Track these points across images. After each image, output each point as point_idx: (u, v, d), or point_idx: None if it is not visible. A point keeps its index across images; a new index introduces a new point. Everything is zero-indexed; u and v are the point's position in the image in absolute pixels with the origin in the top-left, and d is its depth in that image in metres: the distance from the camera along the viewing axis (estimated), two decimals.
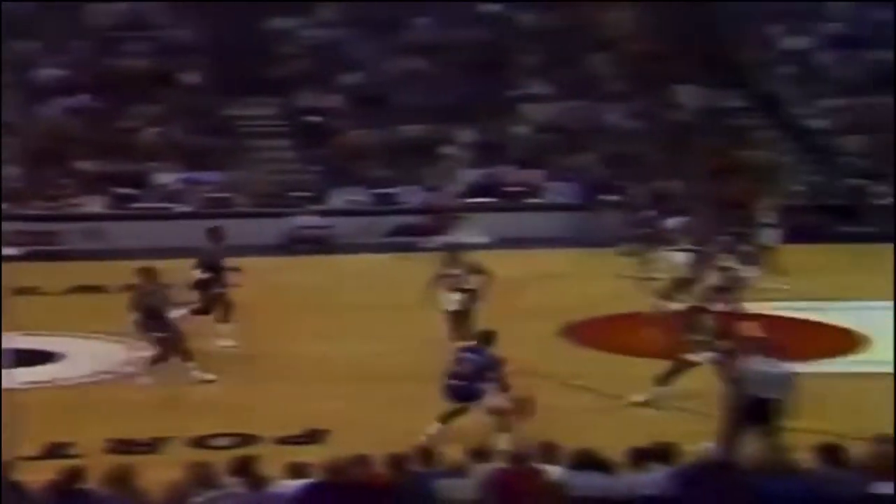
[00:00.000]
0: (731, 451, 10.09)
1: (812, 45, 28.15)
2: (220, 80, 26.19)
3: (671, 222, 18.65)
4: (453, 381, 12.33)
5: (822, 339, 15.76)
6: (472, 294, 14.81)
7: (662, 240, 19.29)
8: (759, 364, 11.52)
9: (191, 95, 26.01)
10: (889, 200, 23.33)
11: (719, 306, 14.73)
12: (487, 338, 12.66)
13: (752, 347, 11.96)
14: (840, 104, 26.54)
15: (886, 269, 17.95)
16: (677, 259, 17.32)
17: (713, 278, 15.66)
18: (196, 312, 15.00)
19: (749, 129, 26.14)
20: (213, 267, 15.11)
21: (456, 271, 14.95)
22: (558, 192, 23.82)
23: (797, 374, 11.53)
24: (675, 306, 15.37)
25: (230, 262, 15.64)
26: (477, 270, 15.00)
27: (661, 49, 27.76)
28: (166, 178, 23.98)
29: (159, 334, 13.95)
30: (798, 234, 22.35)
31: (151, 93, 25.51)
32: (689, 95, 26.62)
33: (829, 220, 23.74)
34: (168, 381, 14.05)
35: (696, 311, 13.89)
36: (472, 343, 12.76)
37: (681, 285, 16.44)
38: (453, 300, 14.87)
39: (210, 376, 14.14)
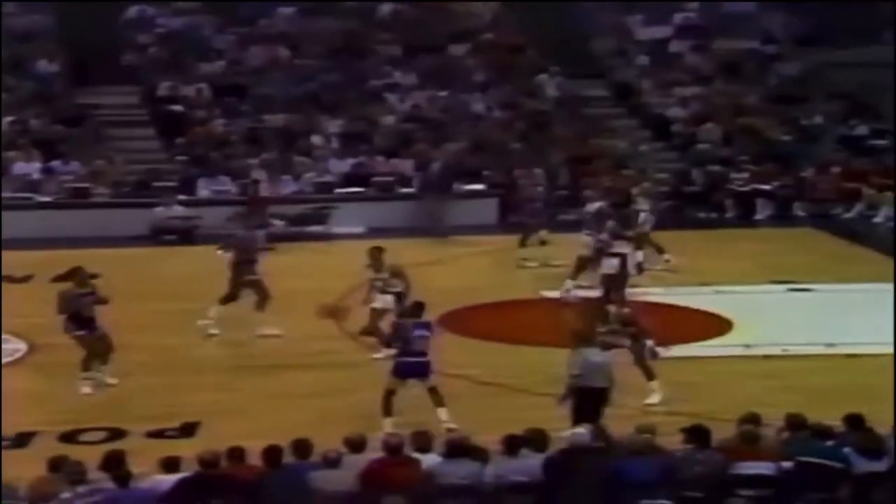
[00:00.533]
0: (597, 436, 10.20)
1: (666, 35, 28.68)
2: (76, 68, 25.55)
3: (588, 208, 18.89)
4: (412, 359, 12.32)
5: (688, 323, 16.00)
6: (398, 296, 14.85)
7: (557, 225, 19.50)
8: (590, 355, 11.72)
9: (46, 84, 25.33)
10: (745, 186, 23.86)
11: (614, 293, 15.07)
12: (420, 309, 12.69)
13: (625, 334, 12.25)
14: (694, 92, 27.09)
15: (742, 254, 18.41)
16: (580, 243, 17.51)
17: (608, 265, 15.78)
18: (225, 300, 15.05)
19: (607, 118, 26.49)
20: (245, 252, 15.14)
21: (383, 274, 14.99)
22: (424, 180, 23.79)
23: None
24: (576, 293, 15.61)
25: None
26: (399, 274, 15.02)
27: (520, 39, 27.99)
28: (25, 168, 23.31)
29: (83, 336, 13.63)
30: (658, 220, 22.92)
31: (4, 81, 24.76)
32: (549, 84, 26.89)
33: (687, 206, 24.25)
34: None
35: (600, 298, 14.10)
36: (421, 320, 12.70)
37: (578, 271, 16.72)
38: (382, 300, 14.85)
39: (114, 380, 13.82)
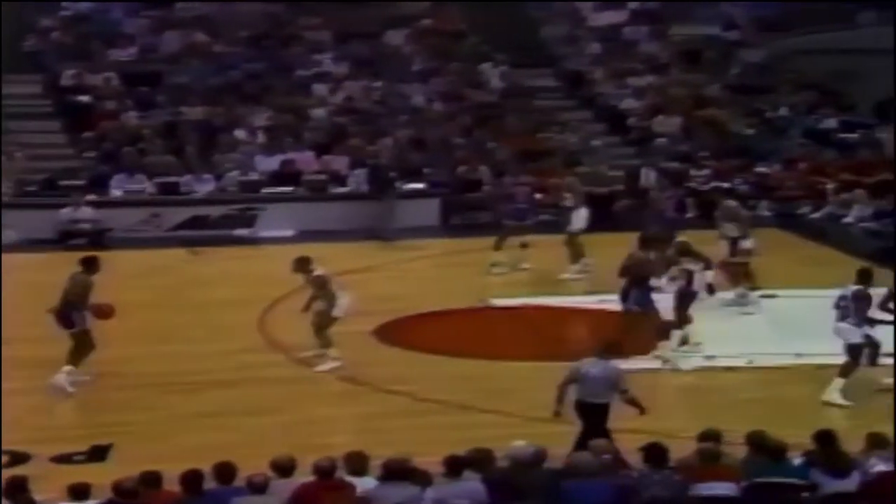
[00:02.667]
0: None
1: (620, 21, 28.86)
2: None
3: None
4: None
5: (647, 333, 15.79)
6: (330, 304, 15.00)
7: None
8: (589, 366, 11.78)
9: None
10: (706, 184, 24.03)
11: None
12: None
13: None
14: (650, 82, 27.28)
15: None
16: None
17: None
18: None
19: (557, 111, 26.60)
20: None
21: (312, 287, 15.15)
22: (361, 179, 23.76)
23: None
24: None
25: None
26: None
27: (461, 25, 28.03)
28: None
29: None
30: (612, 220, 23.06)
31: None
32: (494, 74, 26.94)
33: (642, 205, 24.35)
34: None
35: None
36: None
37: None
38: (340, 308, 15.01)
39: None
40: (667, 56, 28.01)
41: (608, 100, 27.06)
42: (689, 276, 15.45)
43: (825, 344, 14.03)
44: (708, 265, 15.86)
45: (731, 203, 18.49)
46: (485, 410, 13.53)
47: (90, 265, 14.41)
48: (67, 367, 14.01)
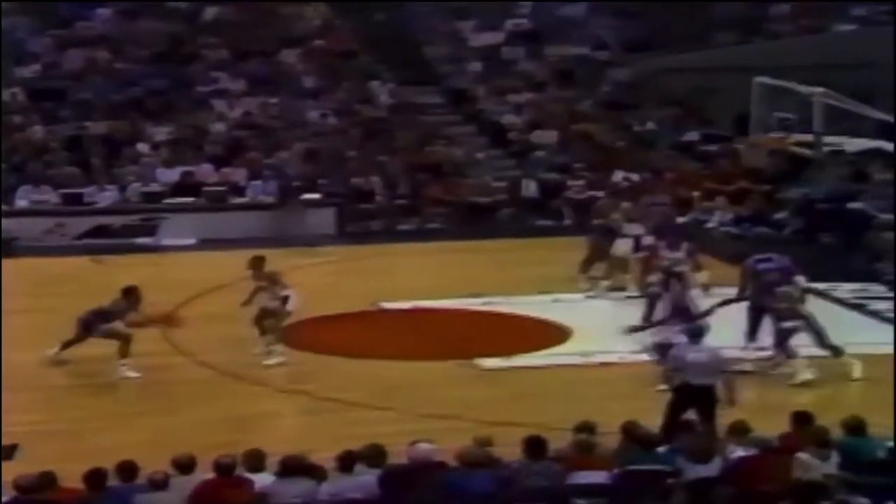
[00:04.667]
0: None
1: (498, 41, 28.92)
2: None
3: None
4: None
5: (526, 333, 16.11)
6: (284, 299, 15.05)
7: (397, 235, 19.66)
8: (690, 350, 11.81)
9: None
10: (582, 194, 24.15)
11: None
12: None
13: None
14: (529, 99, 27.37)
15: (577, 262, 18.61)
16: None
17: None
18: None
19: (443, 125, 26.56)
20: None
21: (263, 283, 15.16)
22: (259, 190, 23.44)
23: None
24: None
25: None
26: (278, 280, 15.16)
27: (352, 44, 27.85)
28: None
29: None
30: (495, 228, 23.12)
31: None
32: (382, 91, 26.81)
33: (524, 214, 24.47)
34: None
35: None
36: None
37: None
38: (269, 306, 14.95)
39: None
40: (543, 74, 28.12)
41: (490, 115, 27.11)
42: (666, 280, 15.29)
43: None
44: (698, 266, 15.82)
45: (628, 205, 18.64)
46: (378, 408, 13.46)
47: (128, 295, 14.68)
48: (123, 361, 14.29)
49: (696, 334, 12.13)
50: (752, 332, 15.03)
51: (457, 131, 26.51)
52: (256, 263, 15.26)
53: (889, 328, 16.12)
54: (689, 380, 11.71)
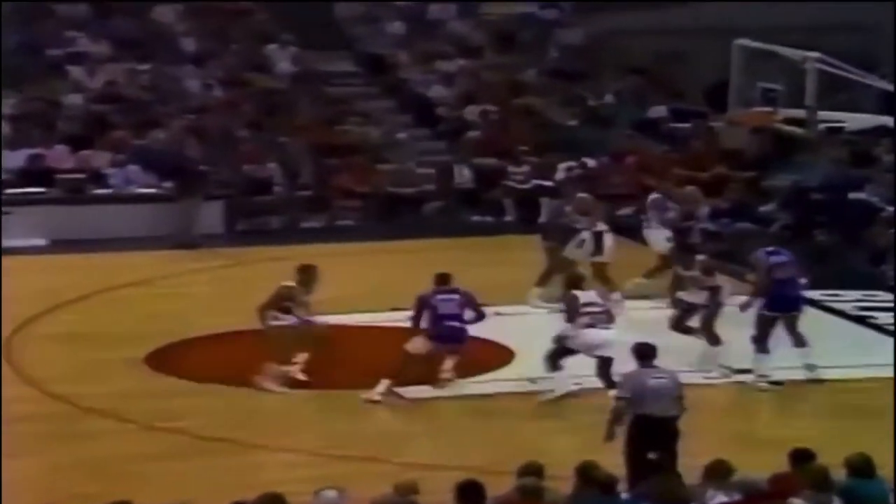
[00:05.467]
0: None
1: None
2: None
3: None
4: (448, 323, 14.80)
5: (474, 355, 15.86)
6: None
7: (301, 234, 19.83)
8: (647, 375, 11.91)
9: None
10: (526, 183, 24.13)
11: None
12: (445, 279, 15.46)
13: None
14: (461, 67, 27.35)
15: (525, 266, 18.58)
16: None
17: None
18: None
19: (357, 99, 26.47)
20: None
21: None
22: (128, 178, 23.15)
23: None
24: None
25: None
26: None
27: (245, 2, 27.66)
28: None
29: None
30: (422, 225, 23.06)
31: None
32: (282, 57, 26.66)
33: (457, 208, 24.41)
34: None
35: None
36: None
37: None
38: None
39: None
40: (478, 37, 28.16)
41: (414, 87, 27.09)
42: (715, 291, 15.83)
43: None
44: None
45: (586, 196, 18.74)
46: (275, 448, 13.42)
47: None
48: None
49: (646, 355, 12.09)
50: (763, 339, 15.30)
51: (373, 106, 26.44)
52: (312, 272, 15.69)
53: None
54: (648, 411, 11.73)
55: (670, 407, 11.79)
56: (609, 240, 18.11)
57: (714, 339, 15.73)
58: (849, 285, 19.21)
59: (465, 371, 15.28)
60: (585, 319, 14.77)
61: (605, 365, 14.60)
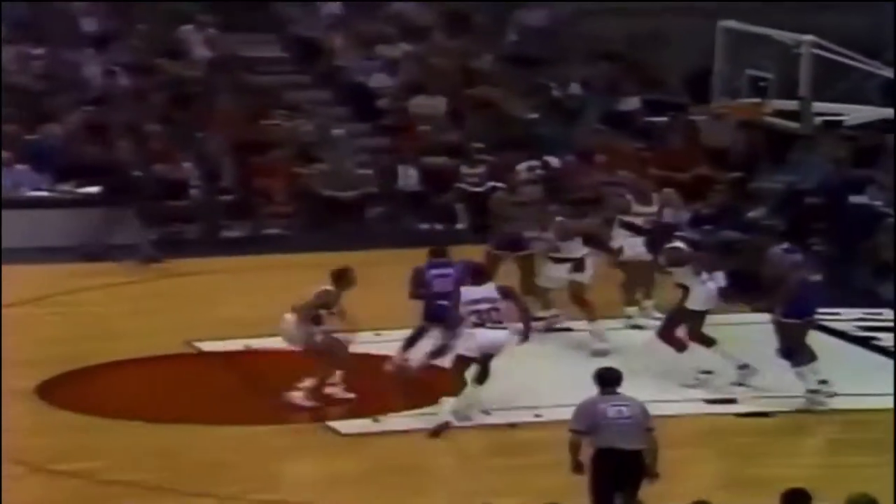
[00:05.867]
0: None
1: None
2: None
3: None
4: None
5: (405, 382, 16.05)
6: None
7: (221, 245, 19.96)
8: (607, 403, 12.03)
9: None
10: (481, 185, 24.10)
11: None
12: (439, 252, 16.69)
13: None
14: (406, 52, 27.32)
15: None
16: None
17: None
18: None
19: (286, 89, 26.43)
20: None
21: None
22: (17, 180, 23.08)
23: None
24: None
25: None
26: None
27: None
28: None
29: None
30: (363, 233, 23.01)
31: None
32: (197, 40, 26.58)
33: (402, 214, 24.37)
34: None
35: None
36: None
37: None
38: None
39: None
40: (426, 18, 28.16)
41: (351, 75, 27.06)
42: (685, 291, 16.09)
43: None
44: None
45: (565, 221, 18.71)
46: (191, 493, 13.39)
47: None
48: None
49: (608, 381, 12.11)
50: (798, 350, 15.56)
51: (305, 97, 26.42)
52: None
53: None
54: (607, 443, 11.77)
55: (633, 439, 11.82)
56: (590, 263, 18.03)
57: (707, 342, 16.00)
58: (849, 302, 19.33)
59: (411, 402, 15.37)
60: (473, 318, 15.01)
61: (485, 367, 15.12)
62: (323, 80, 27.18)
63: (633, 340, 17.47)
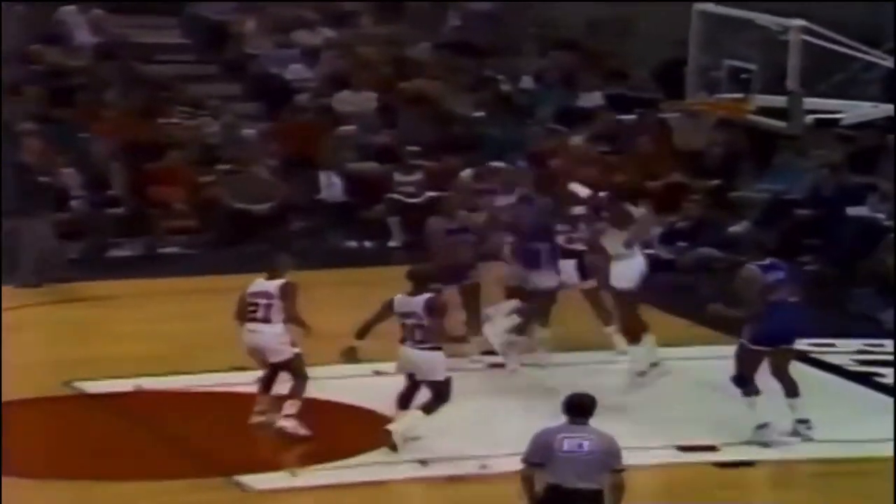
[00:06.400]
0: None
1: None
2: None
3: None
4: None
5: (329, 426, 16.14)
6: None
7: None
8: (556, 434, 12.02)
9: None
10: (418, 196, 24.19)
11: None
12: None
13: None
14: (329, 39, 27.27)
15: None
16: None
17: None
18: None
19: (186, 81, 26.50)
20: None
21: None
22: None
23: None
24: None
25: None
26: None
27: None
28: None
29: None
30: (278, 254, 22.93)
31: None
32: (81, 23, 26.45)
33: (324, 229, 24.35)
34: None
35: None
36: None
37: None
38: None
39: None
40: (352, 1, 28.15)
41: (264, 65, 27.10)
42: None
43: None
44: None
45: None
46: None
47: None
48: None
49: (576, 409, 12.08)
50: (745, 380, 15.70)
51: (209, 91, 26.49)
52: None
53: None
54: (557, 480, 11.79)
55: (589, 478, 11.78)
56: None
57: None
58: (847, 332, 19.40)
59: (334, 451, 15.34)
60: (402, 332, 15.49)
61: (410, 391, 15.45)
62: (231, 71, 27.19)
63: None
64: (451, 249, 18.26)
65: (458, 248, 18.43)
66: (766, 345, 15.71)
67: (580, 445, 11.88)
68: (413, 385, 15.56)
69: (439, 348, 15.44)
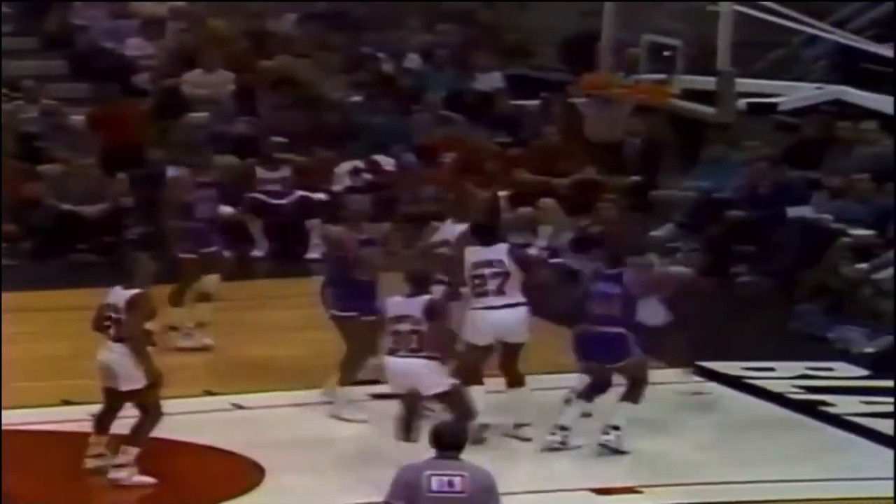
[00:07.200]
0: None
1: None
2: None
3: None
4: None
5: (180, 472, 16.05)
6: None
7: None
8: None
9: None
10: (289, 196, 24.23)
11: None
12: None
13: None
14: (175, 8, 27.39)
15: (288, 327, 18.90)
16: None
17: None
18: None
19: (3, 57, 26.41)
20: None
21: None
22: None
23: None
24: None
25: None
26: None
27: None
28: None
29: None
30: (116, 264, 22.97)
31: None
32: None
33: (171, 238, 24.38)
34: None
35: None
36: None
37: None
38: None
39: None
40: None
41: (95, 39, 27.22)
42: None
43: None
44: None
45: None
46: None
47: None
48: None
49: (445, 442, 12.21)
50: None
51: (28, 68, 26.58)
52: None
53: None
54: None
55: None
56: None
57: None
58: (788, 354, 19.56)
59: (188, 501, 15.43)
60: (390, 343, 15.38)
61: (410, 412, 15.24)
62: (53, 46, 27.18)
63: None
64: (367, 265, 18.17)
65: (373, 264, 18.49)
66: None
67: (451, 483, 11.92)
68: (414, 402, 15.35)
69: (437, 358, 15.38)
